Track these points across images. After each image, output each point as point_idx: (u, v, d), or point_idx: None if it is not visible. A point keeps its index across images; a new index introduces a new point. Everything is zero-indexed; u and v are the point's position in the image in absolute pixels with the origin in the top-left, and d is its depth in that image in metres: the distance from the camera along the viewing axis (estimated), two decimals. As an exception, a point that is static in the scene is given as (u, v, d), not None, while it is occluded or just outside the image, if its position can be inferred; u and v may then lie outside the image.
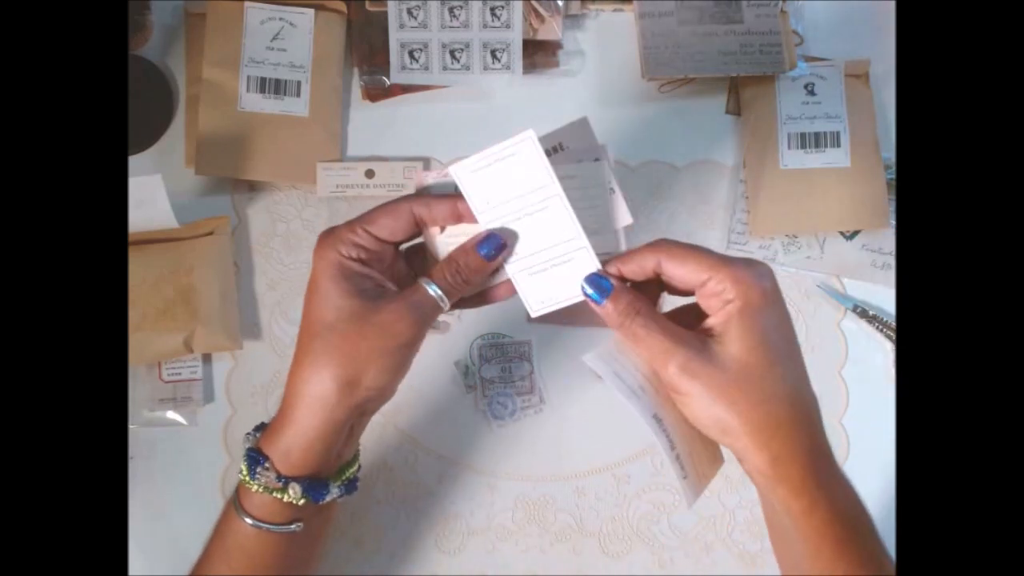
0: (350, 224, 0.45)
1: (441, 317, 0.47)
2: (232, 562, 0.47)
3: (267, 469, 0.45)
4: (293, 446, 0.45)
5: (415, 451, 0.67)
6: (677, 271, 0.43)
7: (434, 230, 0.47)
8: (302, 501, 0.45)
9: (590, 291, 0.44)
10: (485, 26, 0.68)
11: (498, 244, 0.45)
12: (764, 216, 0.68)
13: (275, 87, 0.68)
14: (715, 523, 0.67)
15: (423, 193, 0.47)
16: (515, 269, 0.46)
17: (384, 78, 0.69)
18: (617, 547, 0.67)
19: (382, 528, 0.66)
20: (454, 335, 0.68)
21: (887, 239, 0.69)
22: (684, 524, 0.67)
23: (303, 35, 0.68)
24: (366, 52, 0.70)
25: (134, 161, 0.69)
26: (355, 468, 0.49)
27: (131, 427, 0.66)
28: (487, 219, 0.45)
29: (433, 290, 0.45)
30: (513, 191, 0.44)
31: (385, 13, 0.68)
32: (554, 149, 0.46)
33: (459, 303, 0.47)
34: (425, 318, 0.45)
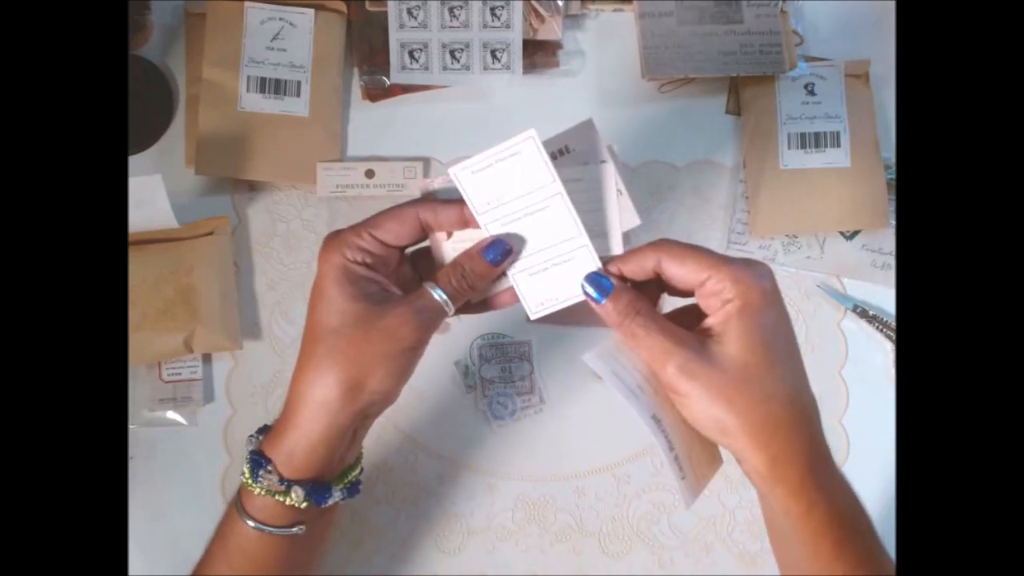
0: (355, 228, 0.45)
1: (443, 319, 0.47)
2: (233, 563, 0.47)
3: (270, 472, 0.45)
4: (296, 449, 0.45)
5: (415, 451, 0.67)
6: (677, 270, 0.43)
7: (440, 235, 0.47)
8: (304, 504, 0.45)
9: (590, 290, 0.44)
10: (485, 26, 0.68)
11: (504, 249, 0.45)
12: (764, 216, 0.68)
13: (275, 87, 0.68)
14: (715, 523, 0.67)
15: (429, 198, 0.47)
16: (515, 270, 0.46)
17: (384, 78, 0.69)
18: (617, 547, 0.67)
19: (382, 528, 0.66)
20: (454, 335, 0.68)
21: (887, 239, 0.69)
22: (684, 524, 0.67)
23: (303, 35, 0.68)
24: (366, 52, 0.70)
25: (134, 161, 0.69)
26: (357, 471, 0.49)
27: (131, 427, 0.66)
28: (487, 220, 0.45)
29: (438, 295, 0.45)
30: (514, 191, 0.44)
31: (385, 13, 0.68)
32: (560, 152, 0.46)
33: (463, 308, 0.47)
34: (430, 323, 0.45)
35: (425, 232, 0.46)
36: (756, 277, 0.42)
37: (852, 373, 0.68)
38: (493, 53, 0.69)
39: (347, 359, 0.44)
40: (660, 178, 0.70)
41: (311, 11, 0.68)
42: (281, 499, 0.45)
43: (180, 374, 0.66)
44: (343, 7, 0.69)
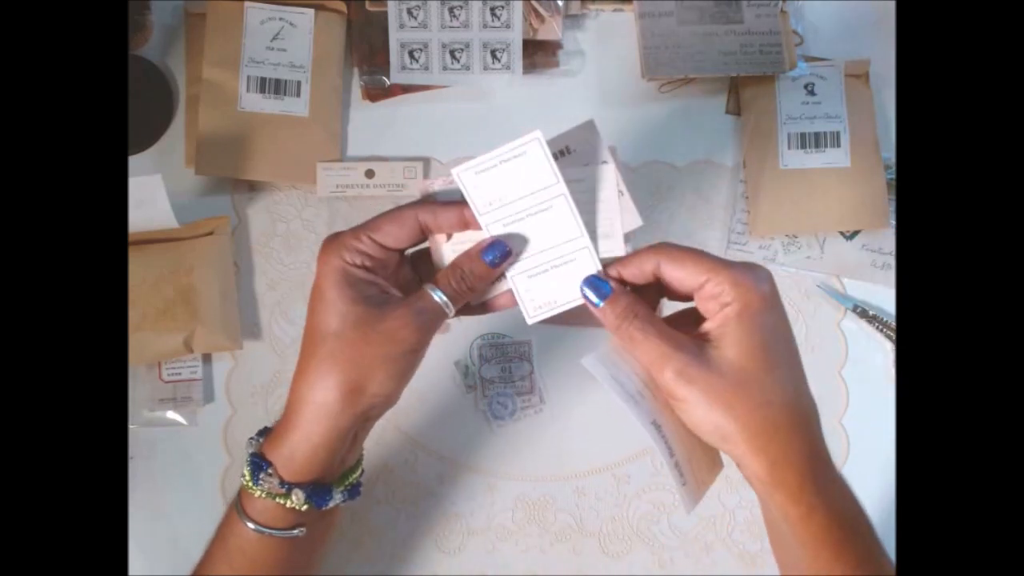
0: (354, 231, 0.45)
1: (442, 320, 0.47)
2: (234, 563, 0.47)
3: (270, 475, 0.45)
4: (297, 452, 0.45)
5: (415, 451, 0.67)
6: (675, 273, 0.43)
7: (440, 237, 0.47)
8: (305, 507, 0.45)
9: (589, 294, 0.44)
10: (485, 26, 0.68)
11: (503, 251, 0.45)
12: (764, 216, 0.68)
13: (275, 87, 0.68)
14: (715, 523, 0.67)
15: (429, 200, 0.47)
16: (514, 272, 0.46)
17: (384, 78, 0.69)
18: (617, 547, 0.67)
19: (382, 528, 0.66)
20: (454, 335, 0.68)
21: (887, 239, 0.69)
22: (684, 524, 0.67)
23: (303, 35, 0.68)
24: (366, 52, 0.70)
25: (134, 161, 0.69)
26: (358, 473, 0.49)
27: (131, 427, 0.66)
28: (489, 220, 0.45)
29: (438, 296, 0.45)
30: (517, 192, 0.44)
31: (385, 13, 0.68)
32: (561, 153, 0.46)
33: (463, 310, 0.47)
34: (430, 325, 0.45)
35: (424, 234, 0.46)
36: (755, 280, 0.41)
37: (852, 373, 0.68)
38: (493, 53, 0.69)
39: (347, 362, 0.44)
40: (660, 178, 0.70)
41: (311, 11, 0.68)
42: (282, 501, 0.45)
43: (180, 374, 0.66)
44: (343, 7, 0.69)
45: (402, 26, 0.68)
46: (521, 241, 0.45)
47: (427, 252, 0.48)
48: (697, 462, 0.45)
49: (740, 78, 0.70)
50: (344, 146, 0.70)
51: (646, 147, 0.71)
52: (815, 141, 0.69)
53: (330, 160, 0.68)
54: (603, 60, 0.71)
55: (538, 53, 0.70)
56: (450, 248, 0.47)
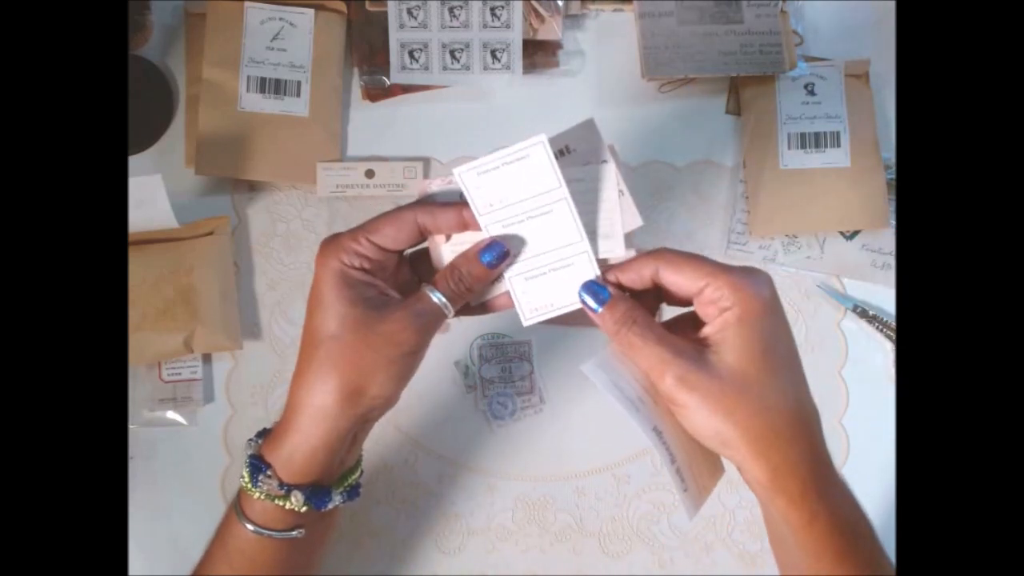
0: (352, 232, 0.45)
1: (442, 320, 0.47)
2: (233, 564, 0.47)
3: (269, 477, 0.45)
4: (296, 454, 0.45)
5: (415, 451, 0.67)
6: (674, 278, 0.42)
7: (439, 238, 0.47)
8: (304, 508, 0.45)
9: (587, 299, 0.44)
10: (485, 26, 0.68)
11: (501, 252, 0.45)
12: (764, 216, 0.68)
13: (275, 87, 0.68)
14: (715, 523, 0.67)
15: (427, 201, 0.47)
16: (512, 273, 0.46)
17: (384, 78, 0.69)
18: (617, 547, 0.67)
19: (382, 528, 0.66)
20: (454, 335, 0.68)
21: (887, 239, 0.69)
22: (684, 524, 0.67)
23: (303, 35, 0.68)
24: (366, 52, 0.70)
25: (134, 161, 0.69)
26: (357, 474, 0.49)
27: (131, 427, 0.66)
28: (488, 221, 0.45)
29: (437, 298, 0.45)
30: (518, 194, 0.44)
31: (385, 13, 0.68)
32: (560, 152, 0.46)
33: (463, 310, 0.47)
34: (429, 326, 0.45)
35: (423, 235, 0.46)
36: (755, 285, 0.41)
37: (852, 373, 0.68)
38: (493, 53, 0.69)
39: (347, 364, 0.43)
40: (660, 178, 0.70)
41: (311, 11, 0.68)
42: (281, 503, 0.45)
43: (180, 374, 0.66)
44: (343, 7, 0.69)
45: (402, 26, 0.68)
46: (520, 243, 0.45)
47: (426, 252, 0.48)
48: (698, 467, 0.45)
49: (740, 78, 0.70)
50: (344, 146, 0.70)
51: (646, 147, 0.71)
52: (815, 141, 0.69)
53: (330, 160, 0.68)
54: (603, 60, 0.71)
55: (538, 53, 0.70)
56: (449, 249, 0.47)
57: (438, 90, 0.70)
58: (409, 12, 0.68)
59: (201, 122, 0.67)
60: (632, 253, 0.45)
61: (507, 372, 0.67)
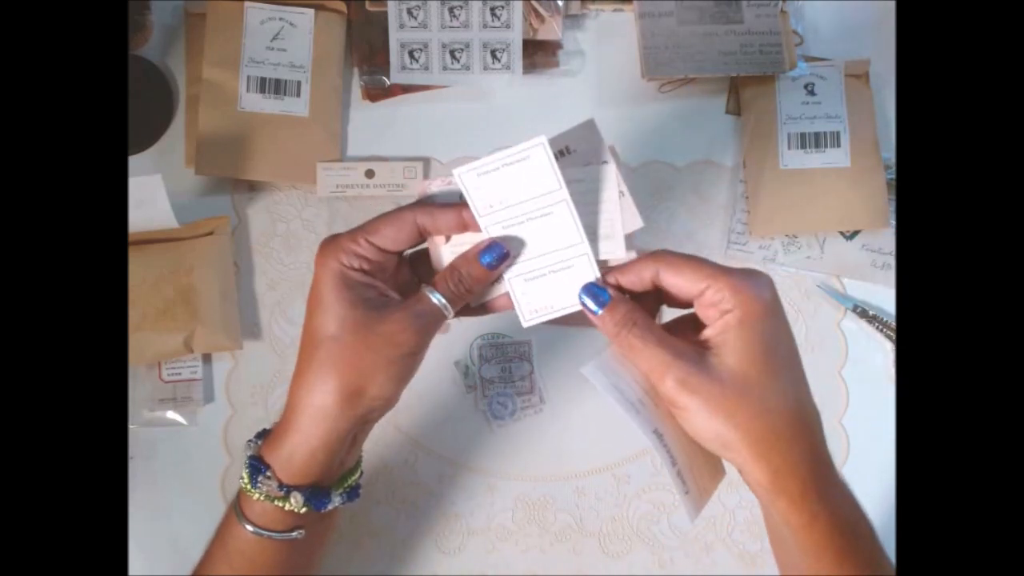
0: (352, 233, 0.45)
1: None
2: (233, 564, 0.47)
3: (269, 478, 0.45)
4: (295, 455, 0.45)
5: (415, 451, 0.67)
6: (675, 281, 0.42)
7: (439, 239, 0.47)
8: (304, 509, 0.45)
9: (587, 301, 0.44)
10: (485, 26, 0.68)
11: (500, 253, 0.45)
12: (764, 216, 0.68)
13: (275, 87, 0.68)
14: (715, 523, 0.67)
15: (427, 202, 0.47)
16: (511, 274, 0.46)
17: (384, 78, 0.69)
18: (617, 547, 0.67)
19: (382, 528, 0.66)
20: (454, 335, 0.68)
21: (887, 239, 0.69)
22: (684, 524, 0.67)
23: (303, 35, 0.68)
24: (366, 52, 0.70)
25: (134, 161, 0.69)
26: (357, 475, 0.49)
27: (131, 427, 0.66)
28: (488, 222, 0.45)
29: (437, 299, 0.45)
30: (518, 195, 0.44)
31: (385, 13, 0.68)
32: (560, 153, 0.46)
33: (463, 311, 0.47)
34: (429, 327, 0.45)
35: (423, 236, 0.46)
36: (756, 287, 0.41)
37: (852, 373, 0.68)
38: (493, 53, 0.69)
39: (347, 365, 0.43)
40: (660, 178, 0.70)
41: (311, 11, 0.68)
42: (280, 504, 0.45)
43: (180, 374, 0.66)
44: (343, 7, 0.69)
45: (402, 26, 0.68)
46: (520, 244, 0.45)
47: (426, 252, 0.48)
48: (699, 470, 0.44)
49: (740, 78, 0.70)
50: (344, 146, 0.70)
51: (646, 147, 0.71)
52: (815, 141, 0.69)
53: (330, 160, 0.68)
54: (603, 60, 0.71)
55: (538, 53, 0.70)
56: (449, 250, 0.47)
57: (438, 90, 0.70)
58: (409, 12, 0.68)
59: (201, 122, 0.67)
60: (633, 255, 0.45)
61: (507, 372, 0.67)
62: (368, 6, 0.69)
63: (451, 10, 0.68)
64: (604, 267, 0.45)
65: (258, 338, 0.68)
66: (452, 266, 0.45)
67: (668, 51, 0.68)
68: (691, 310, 0.44)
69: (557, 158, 0.43)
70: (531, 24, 0.69)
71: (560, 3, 0.69)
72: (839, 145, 0.69)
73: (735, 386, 0.40)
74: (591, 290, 0.44)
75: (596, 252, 0.45)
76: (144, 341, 0.64)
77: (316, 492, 0.46)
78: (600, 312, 0.43)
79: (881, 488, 0.66)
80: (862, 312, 0.68)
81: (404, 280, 0.48)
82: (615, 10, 0.71)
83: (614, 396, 0.42)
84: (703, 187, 0.70)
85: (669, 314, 0.46)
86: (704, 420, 0.41)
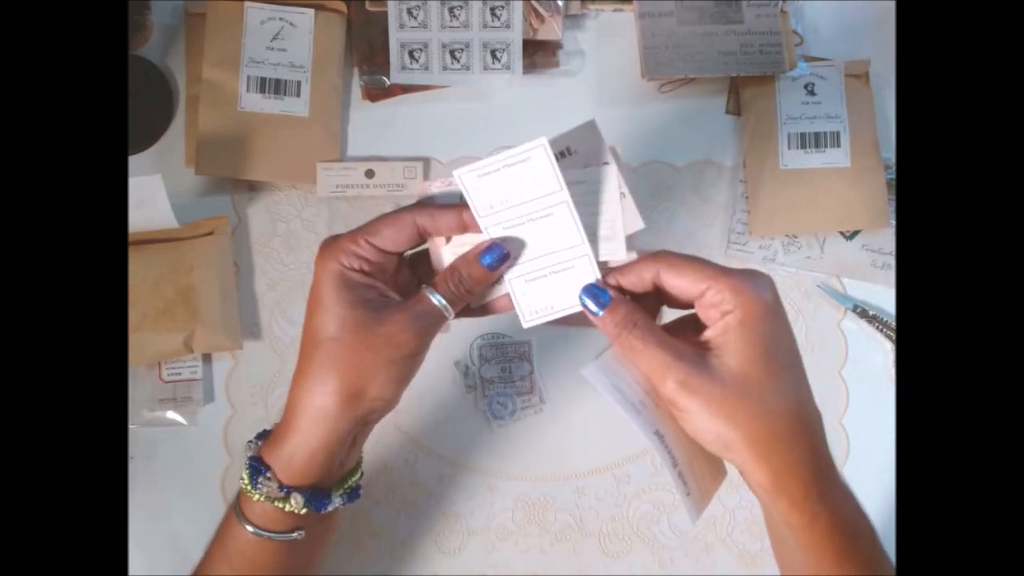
0: (352, 234, 0.45)
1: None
2: (233, 565, 0.47)
3: (269, 479, 0.45)
4: (295, 456, 0.45)
5: (415, 451, 0.67)
6: (675, 281, 0.42)
7: (439, 240, 0.47)
8: (304, 511, 0.45)
9: (588, 302, 0.44)
10: (485, 26, 0.68)
11: (501, 254, 0.45)
12: (764, 216, 0.68)
13: (275, 87, 0.68)
14: (715, 523, 0.67)
15: (427, 203, 0.47)
16: (512, 275, 0.46)
17: (384, 78, 0.69)
18: (617, 547, 0.67)
19: (382, 528, 0.66)
20: (454, 335, 0.68)
21: (887, 239, 0.69)
22: (684, 524, 0.67)
23: (303, 35, 0.68)
24: (366, 52, 0.70)
25: (134, 161, 0.69)
26: (357, 476, 0.49)
27: (131, 427, 0.66)
28: (489, 223, 0.45)
29: (437, 300, 0.45)
30: (519, 197, 0.44)
31: (385, 13, 0.68)
32: (561, 154, 0.46)
33: (463, 312, 0.46)
34: (430, 328, 0.45)
35: (423, 237, 0.46)
36: (757, 288, 0.41)
37: (852, 373, 0.68)
38: (493, 53, 0.69)
39: (347, 366, 0.43)
40: (660, 178, 0.70)
41: (311, 11, 0.68)
42: (280, 505, 0.45)
43: (180, 374, 0.66)
44: (343, 7, 0.69)
45: (402, 26, 0.68)
46: (520, 245, 0.45)
47: (426, 253, 0.48)
48: (700, 471, 0.44)
49: (740, 78, 0.70)
50: (344, 146, 0.70)
51: (646, 147, 0.71)
52: (815, 141, 0.69)
53: (330, 160, 0.68)
54: (603, 60, 0.71)
55: (538, 53, 0.70)
56: (449, 251, 0.47)
57: (438, 90, 0.70)
58: (409, 12, 0.68)
59: (201, 122, 0.67)
60: (633, 256, 0.45)
61: (507, 372, 0.67)
62: (368, 6, 0.69)
63: (451, 10, 0.68)
64: (604, 268, 0.45)
65: (258, 338, 0.68)
66: (452, 267, 0.45)
67: (668, 51, 0.68)
68: (692, 311, 0.44)
69: (558, 159, 0.43)
70: (531, 24, 0.69)
71: (560, 3, 0.69)
72: (839, 145, 0.69)
73: (736, 387, 0.40)
74: (592, 291, 0.44)
75: (597, 253, 0.45)
76: (144, 341, 0.64)
77: (316, 493, 0.46)
78: (601, 313, 0.43)
79: (881, 488, 0.66)
80: (862, 312, 0.68)
81: (404, 281, 0.48)
82: (615, 10, 0.71)
83: (615, 397, 0.42)
84: (703, 187, 0.70)
85: (669, 315, 0.46)
86: (705, 421, 0.41)
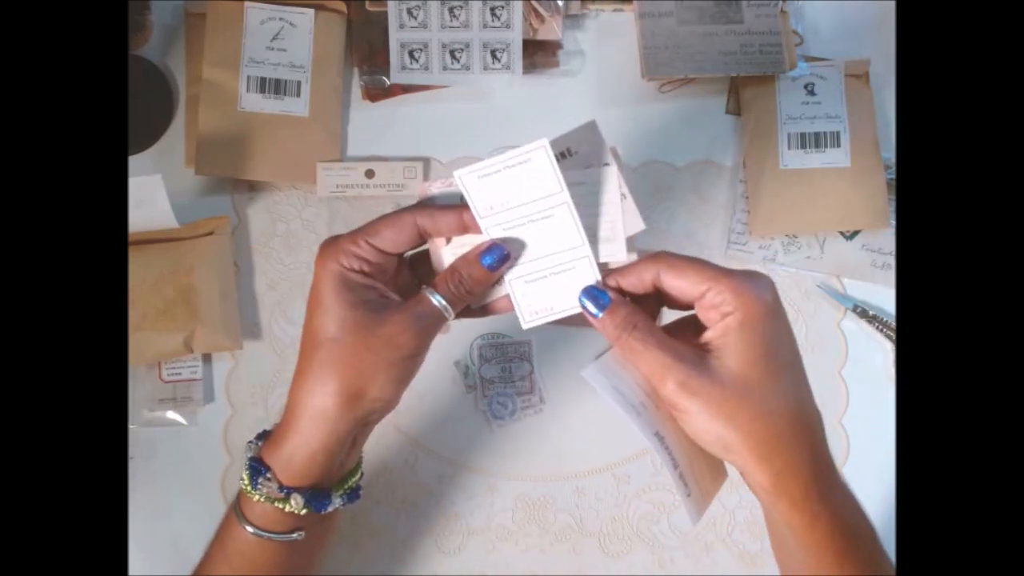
0: (352, 235, 0.45)
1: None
2: (233, 565, 0.47)
3: (269, 479, 0.45)
4: (295, 457, 0.45)
5: (415, 451, 0.67)
6: (675, 283, 0.42)
7: (440, 241, 0.47)
8: (304, 511, 0.45)
9: (587, 304, 0.44)
10: (485, 26, 0.68)
11: (501, 255, 0.45)
12: (764, 216, 0.68)
13: (275, 87, 0.68)
14: (715, 523, 0.67)
15: (427, 203, 0.46)
16: (512, 276, 0.46)
17: (384, 78, 0.69)
18: (617, 547, 0.67)
19: (382, 528, 0.66)
20: (454, 335, 0.68)
21: (887, 239, 0.69)
22: (684, 524, 0.67)
23: (303, 35, 0.68)
24: (366, 52, 0.70)
25: (134, 161, 0.69)
26: (357, 477, 0.49)
27: (131, 427, 0.66)
28: (489, 224, 0.45)
29: (437, 300, 0.44)
30: (520, 198, 0.44)
31: (385, 13, 0.68)
32: (562, 155, 0.46)
33: (463, 312, 0.46)
34: (430, 329, 0.45)
35: (423, 238, 0.46)
36: (757, 289, 0.41)
37: (852, 373, 0.68)
38: (493, 53, 0.69)
39: (347, 367, 0.43)
40: (660, 178, 0.70)
41: (311, 11, 0.68)
42: (280, 506, 0.45)
43: (180, 374, 0.66)
44: (343, 7, 0.69)
45: (402, 26, 0.68)
46: (520, 246, 0.45)
47: (427, 254, 0.48)
48: (701, 472, 0.44)
49: (740, 78, 0.70)
50: (344, 146, 0.70)
51: (646, 147, 0.71)
52: (815, 141, 0.69)
53: (330, 160, 0.68)
54: (603, 60, 0.71)
55: (538, 53, 0.70)
56: (450, 251, 0.47)
57: (438, 90, 0.70)
58: (409, 12, 0.68)
59: (201, 122, 0.67)
60: (634, 257, 0.45)
61: (507, 372, 0.67)
62: (368, 6, 0.69)
63: (451, 10, 0.68)
64: (604, 269, 0.45)
65: (258, 338, 0.68)
66: (453, 268, 0.45)
67: (668, 51, 0.68)
68: (692, 312, 0.44)
69: (558, 160, 0.43)
70: (531, 24, 0.69)
71: (560, 3, 0.69)
72: (839, 145, 0.69)
73: (736, 388, 0.40)
74: (591, 293, 0.44)
75: (597, 254, 0.45)
76: (144, 341, 0.64)
77: (316, 494, 0.46)
78: (600, 315, 0.43)
79: (881, 488, 0.66)
80: (862, 312, 0.68)
81: (404, 282, 0.48)
82: (615, 10, 0.71)
83: (615, 398, 0.42)
84: (703, 187, 0.70)
85: (669, 316, 0.46)
86: (705, 423, 0.41)
